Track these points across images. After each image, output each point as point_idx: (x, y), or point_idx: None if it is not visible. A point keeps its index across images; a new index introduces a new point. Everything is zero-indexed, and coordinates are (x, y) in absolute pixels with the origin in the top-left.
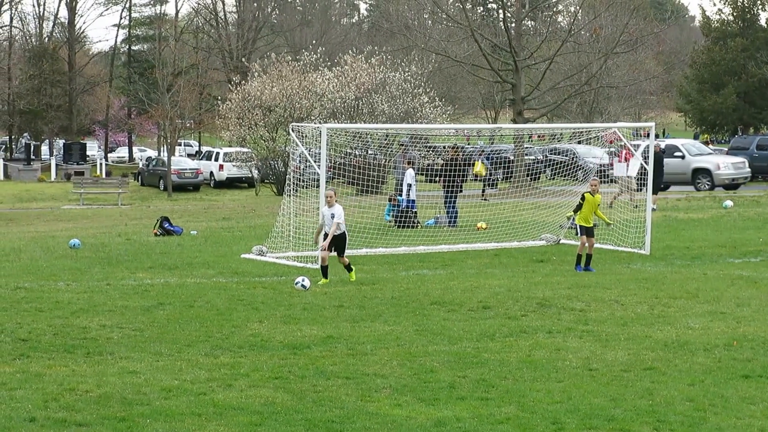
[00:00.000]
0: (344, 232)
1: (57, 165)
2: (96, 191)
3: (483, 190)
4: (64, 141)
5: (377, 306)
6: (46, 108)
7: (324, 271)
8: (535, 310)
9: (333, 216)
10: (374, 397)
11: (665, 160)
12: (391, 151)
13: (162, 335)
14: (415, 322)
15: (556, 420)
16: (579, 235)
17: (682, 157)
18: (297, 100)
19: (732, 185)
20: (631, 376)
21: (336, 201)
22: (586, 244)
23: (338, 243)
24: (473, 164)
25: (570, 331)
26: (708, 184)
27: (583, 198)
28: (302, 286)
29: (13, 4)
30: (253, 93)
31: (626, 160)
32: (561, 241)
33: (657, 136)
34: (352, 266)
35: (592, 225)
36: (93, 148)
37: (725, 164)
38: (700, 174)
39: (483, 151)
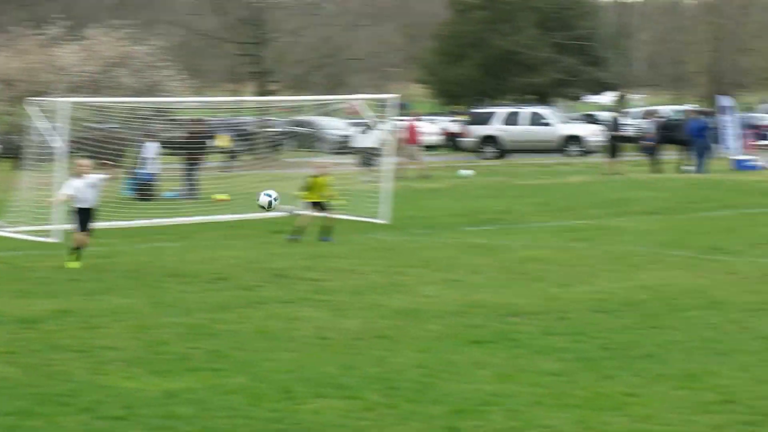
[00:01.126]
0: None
1: None
2: None
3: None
4: None
5: (113, 279)
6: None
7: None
8: (271, 281)
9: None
10: (106, 370)
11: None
12: (134, 124)
13: None
14: (151, 295)
15: (286, 389)
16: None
17: (548, 125)
18: (39, 74)
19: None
20: (364, 344)
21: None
22: (324, 216)
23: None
24: (215, 137)
25: (305, 301)
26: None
27: (308, 182)
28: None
29: None
30: None
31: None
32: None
33: (403, 107)
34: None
35: (324, 200)
36: None
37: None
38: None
39: (227, 124)
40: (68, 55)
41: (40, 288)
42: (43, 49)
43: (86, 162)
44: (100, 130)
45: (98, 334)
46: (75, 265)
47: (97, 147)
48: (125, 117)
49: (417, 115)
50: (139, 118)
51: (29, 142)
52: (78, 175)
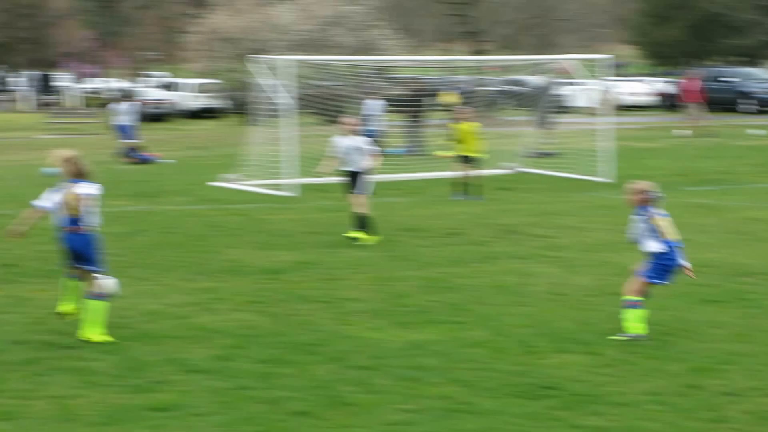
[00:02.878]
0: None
1: (29, 96)
2: (70, 121)
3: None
4: (36, 72)
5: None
6: (16, 41)
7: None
8: (502, 236)
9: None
10: (350, 321)
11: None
12: (355, 82)
13: (142, 261)
14: (388, 249)
15: (527, 343)
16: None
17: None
18: (259, 33)
19: None
20: (597, 300)
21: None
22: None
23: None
24: (440, 94)
25: (536, 257)
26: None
27: (453, 131)
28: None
29: None
30: (219, 26)
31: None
32: (519, 170)
33: (619, 67)
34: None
35: (471, 154)
36: (64, 79)
37: None
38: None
39: (446, 82)
40: (285, 14)
41: (280, 240)
42: (261, 8)
43: (351, 120)
44: (324, 87)
45: (340, 286)
46: (367, 238)
47: (321, 104)
48: (346, 75)
49: (692, 76)
50: (358, 76)
51: (256, 99)
52: (344, 134)
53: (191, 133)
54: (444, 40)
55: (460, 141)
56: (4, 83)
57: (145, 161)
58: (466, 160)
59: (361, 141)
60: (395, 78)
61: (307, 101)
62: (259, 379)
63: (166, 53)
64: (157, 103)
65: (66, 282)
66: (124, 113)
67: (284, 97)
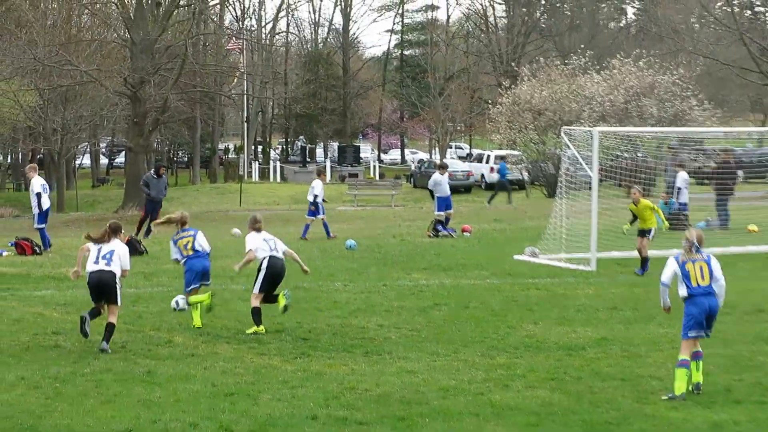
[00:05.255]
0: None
1: (331, 167)
2: (370, 193)
3: None
4: (338, 144)
5: (651, 308)
6: (320, 112)
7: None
8: None
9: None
10: (650, 399)
11: None
12: (662, 154)
13: (438, 335)
14: None
15: None
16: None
17: None
18: (566, 104)
19: None
20: None
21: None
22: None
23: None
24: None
25: None
26: None
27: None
28: (176, 303)
29: (289, 11)
30: (523, 97)
31: None
32: None
33: None
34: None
35: (649, 227)
36: (366, 151)
37: None
38: None
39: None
40: (594, 84)
41: (579, 316)
42: (569, 79)
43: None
44: (630, 159)
45: (640, 363)
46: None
47: (627, 176)
48: (653, 146)
49: None
50: (667, 147)
51: (560, 170)
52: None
53: (489, 206)
54: (759, 110)
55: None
56: (308, 155)
57: (447, 234)
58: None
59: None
60: (705, 149)
61: (611, 173)
62: None
63: (470, 124)
64: (462, 174)
65: None
66: (440, 184)
67: (590, 169)
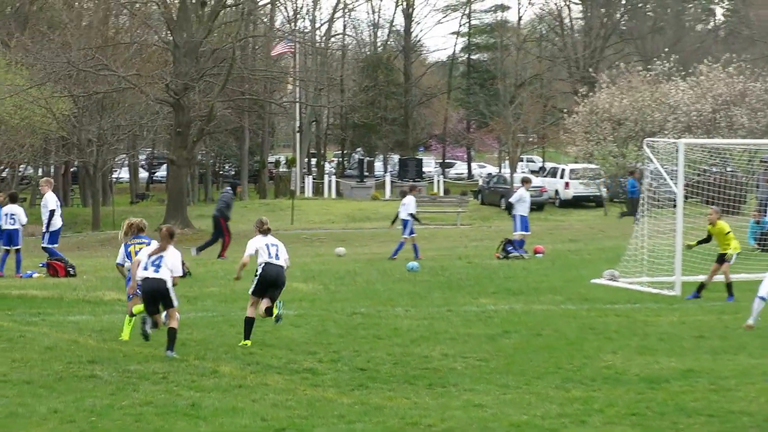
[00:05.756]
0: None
1: (392, 182)
2: (433, 210)
3: None
4: (399, 156)
5: (740, 337)
6: (380, 121)
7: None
8: None
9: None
10: None
11: None
12: (753, 168)
13: (508, 366)
14: None
15: None
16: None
17: None
18: (649, 113)
19: None
20: None
21: None
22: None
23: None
24: None
25: None
26: None
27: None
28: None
29: (346, 11)
30: (601, 105)
31: None
32: None
33: None
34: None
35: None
36: (429, 164)
37: None
38: None
39: None
40: (679, 92)
41: (662, 345)
42: (652, 86)
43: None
44: (718, 173)
45: (729, 397)
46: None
47: (715, 192)
48: (744, 160)
49: None
50: (759, 161)
51: (642, 186)
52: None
53: (564, 224)
54: None
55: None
56: (366, 168)
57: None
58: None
59: None
60: None
61: (697, 189)
62: None
63: (543, 135)
64: (534, 190)
65: None
66: (526, 200)
67: (674, 185)
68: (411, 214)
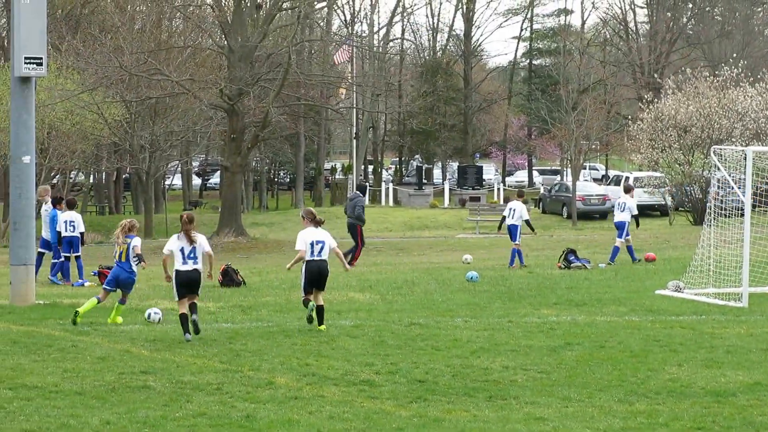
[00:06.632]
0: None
1: (451, 190)
2: (494, 219)
3: None
4: (458, 164)
5: None
6: (439, 128)
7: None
8: None
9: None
10: None
11: None
12: None
13: (571, 378)
14: None
15: None
16: None
17: None
18: (716, 120)
19: None
20: None
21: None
22: None
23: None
24: None
25: None
26: None
27: None
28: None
29: (405, 15)
30: (666, 112)
31: None
32: None
33: None
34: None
35: None
36: (489, 172)
37: None
38: None
39: None
40: (747, 98)
41: (729, 357)
42: (719, 92)
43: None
44: None
45: None
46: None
47: None
48: None
49: None
50: None
51: (709, 194)
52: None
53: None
54: None
55: None
56: (424, 176)
57: (580, 265)
58: None
59: None
60: None
61: (766, 198)
62: None
63: (606, 142)
64: (597, 198)
65: None
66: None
67: (742, 193)
68: (526, 221)
